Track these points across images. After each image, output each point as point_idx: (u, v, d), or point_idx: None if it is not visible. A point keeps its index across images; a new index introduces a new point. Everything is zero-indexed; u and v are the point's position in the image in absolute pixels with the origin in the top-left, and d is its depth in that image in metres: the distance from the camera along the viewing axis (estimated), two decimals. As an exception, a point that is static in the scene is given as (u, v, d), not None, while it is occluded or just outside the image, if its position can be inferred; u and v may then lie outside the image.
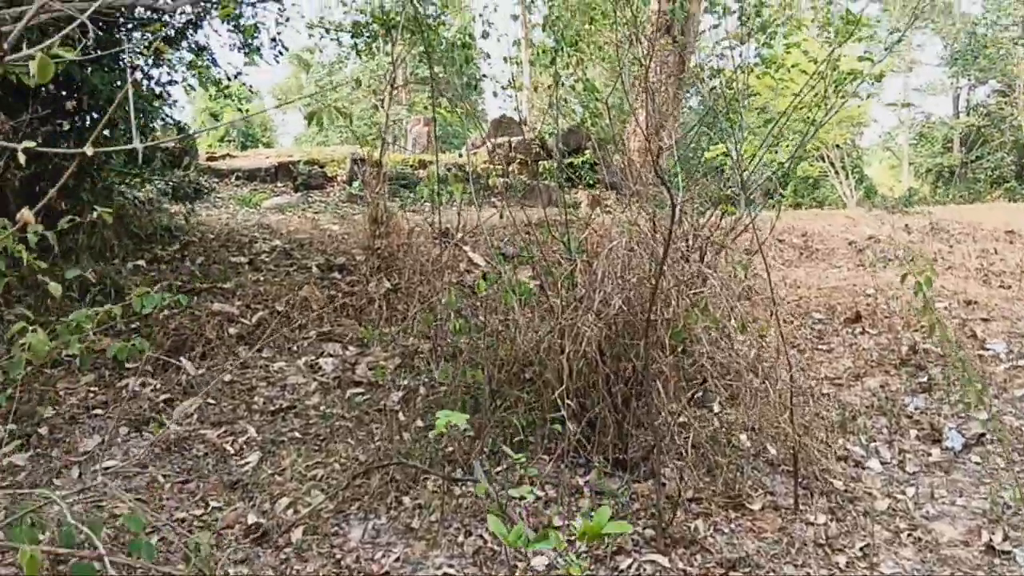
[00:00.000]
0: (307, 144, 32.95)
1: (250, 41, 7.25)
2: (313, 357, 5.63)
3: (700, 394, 4.72)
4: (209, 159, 15.95)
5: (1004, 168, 35.16)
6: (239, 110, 14.17)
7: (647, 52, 13.79)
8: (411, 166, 16.22)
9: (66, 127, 6.40)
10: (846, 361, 5.81)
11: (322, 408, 5.02)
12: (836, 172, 36.30)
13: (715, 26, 5.53)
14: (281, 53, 7.77)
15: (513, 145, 17.18)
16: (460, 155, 18.38)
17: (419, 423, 4.75)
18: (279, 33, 7.55)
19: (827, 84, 5.29)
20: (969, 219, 10.25)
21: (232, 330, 5.76)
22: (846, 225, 9.04)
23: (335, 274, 6.64)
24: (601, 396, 4.22)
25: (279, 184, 15.35)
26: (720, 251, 5.72)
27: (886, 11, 33.20)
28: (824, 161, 36.01)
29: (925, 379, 5.53)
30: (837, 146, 35.77)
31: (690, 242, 5.18)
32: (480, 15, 6.87)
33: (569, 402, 4.05)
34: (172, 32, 6.87)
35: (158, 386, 5.16)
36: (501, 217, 5.66)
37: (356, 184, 13.87)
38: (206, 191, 9.33)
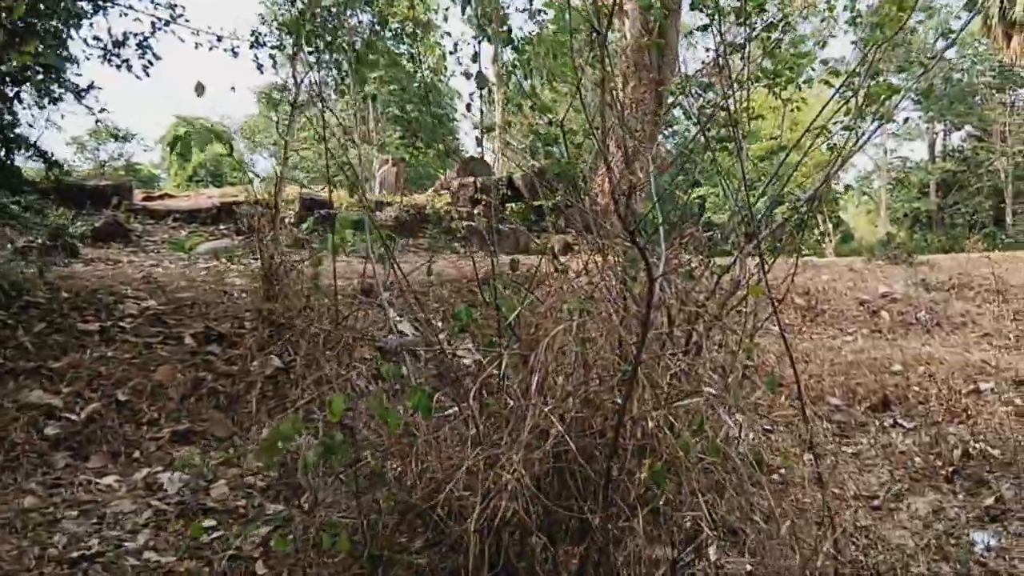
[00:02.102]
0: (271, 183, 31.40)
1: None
2: (160, 468, 4.00)
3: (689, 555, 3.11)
4: (145, 199, 14.33)
5: (982, 214, 34.17)
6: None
7: (620, 88, 12.28)
8: (368, 208, 14.54)
9: None
10: (881, 471, 4.24)
11: (146, 556, 3.39)
12: (813, 217, 35.12)
13: (704, 27, 3.97)
14: (151, 63, 6.21)
15: (479, 186, 15.66)
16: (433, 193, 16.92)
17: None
18: (146, 39, 5.98)
19: (858, 105, 3.80)
20: (982, 271, 8.78)
21: (51, 430, 4.12)
22: (852, 280, 7.55)
23: (212, 347, 5.00)
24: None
25: (222, 226, 13.73)
26: (712, 327, 4.17)
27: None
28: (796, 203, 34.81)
29: (992, 500, 3.96)
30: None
31: (674, 316, 3.64)
32: (452, 52, 5.68)
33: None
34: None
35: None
36: (429, 274, 4.14)
37: (305, 226, 12.28)
38: (75, 243, 7.67)
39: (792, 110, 5.06)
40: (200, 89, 3.45)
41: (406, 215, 13.37)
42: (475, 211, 15.13)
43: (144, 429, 4.24)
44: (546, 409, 2.54)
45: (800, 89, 4.35)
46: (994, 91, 33.56)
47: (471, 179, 16.33)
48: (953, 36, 4.13)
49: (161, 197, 14.65)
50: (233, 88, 23.97)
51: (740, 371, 3.84)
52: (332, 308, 5.09)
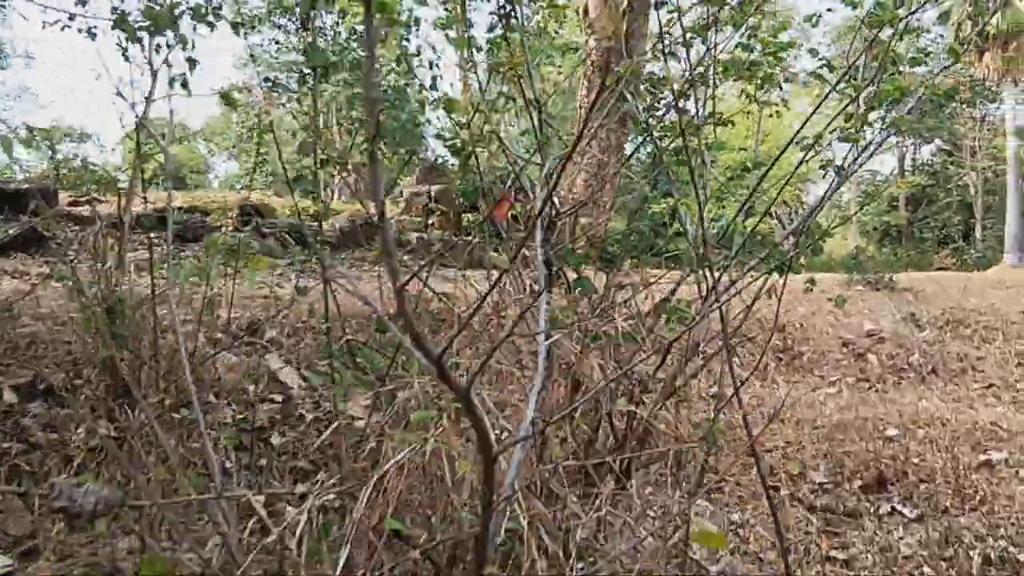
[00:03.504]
0: (236, 186, 30.11)
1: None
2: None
3: None
4: (71, 204, 13.08)
5: (951, 228, 33.58)
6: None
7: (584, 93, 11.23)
8: (309, 216, 13.49)
9: None
10: (882, 586, 3.20)
11: None
12: (784, 228, 34.36)
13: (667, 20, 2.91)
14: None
15: (434, 195, 14.56)
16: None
17: None
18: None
19: (859, 111, 2.78)
20: (974, 302, 7.81)
21: None
22: (833, 314, 6.54)
23: (35, 404, 3.87)
24: None
25: (153, 234, 12.54)
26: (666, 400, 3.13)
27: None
28: (771, 217, 34.07)
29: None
30: (785, 202, 33.92)
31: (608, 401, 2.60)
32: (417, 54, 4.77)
33: None
34: None
35: None
36: (326, 313, 3.14)
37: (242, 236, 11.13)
38: None
39: (771, 115, 4.03)
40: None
41: (352, 225, 12.21)
42: (429, 221, 14.03)
43: (-94, 526, 3.11)
44: None
45: (781, 88, 3.31)
46: (964, 106, 32.97)
47: (426, 187, 15.23)
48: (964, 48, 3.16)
49: (88, 202, 13.39)
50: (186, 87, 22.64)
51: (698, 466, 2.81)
52: (185, 356, 4.00)
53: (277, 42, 28.59)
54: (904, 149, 37.86)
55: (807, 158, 2.88)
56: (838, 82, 2.65)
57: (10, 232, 11.10)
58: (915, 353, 5.62)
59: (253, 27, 28.84)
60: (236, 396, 3.98)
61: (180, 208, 12.93)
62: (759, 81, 3.23)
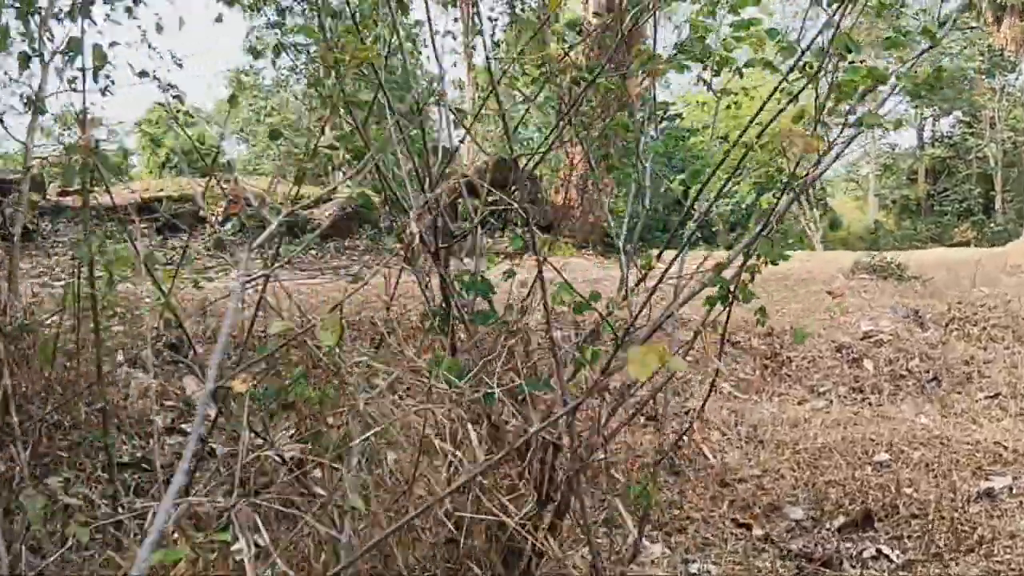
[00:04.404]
0: (244, 171, 29.72)
1: None
2: None
3: None
4: (61, 194, 12.72)
5: (971, 200, 32.68)
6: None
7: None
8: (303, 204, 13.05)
9: None
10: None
11: None
12: (800, 204, 33.67)
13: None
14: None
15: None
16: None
17: None
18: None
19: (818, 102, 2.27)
20: (983, 292, 7.25)
21: None
22: (829, 311, 6.02)
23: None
24: None
25: (142, 225, 12.16)
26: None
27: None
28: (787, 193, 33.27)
29: None
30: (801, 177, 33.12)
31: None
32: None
33: None
34: None
35: None
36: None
37: (230, 226, 10.72)
38: None
39: (728, 106, 3.51)
40: None
41: (342, 213, 11.76)
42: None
43: None
44: None
45: (742, 76, 2.80)
46: (983, 76, 31.99)
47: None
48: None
49: (77, 192, 13.03)
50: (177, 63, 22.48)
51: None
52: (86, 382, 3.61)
53: (282, 24, 28.11)
54: (923, 121, 36.89)
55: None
56: (789, 71, 2.16)
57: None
58: (915, 358, 5.10)
59: (257, 8, 28.29)
60: (143, 427, 3.55)
61: (170, 197, 12.53)
62: (715, 67, 2.73)
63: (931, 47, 2.17)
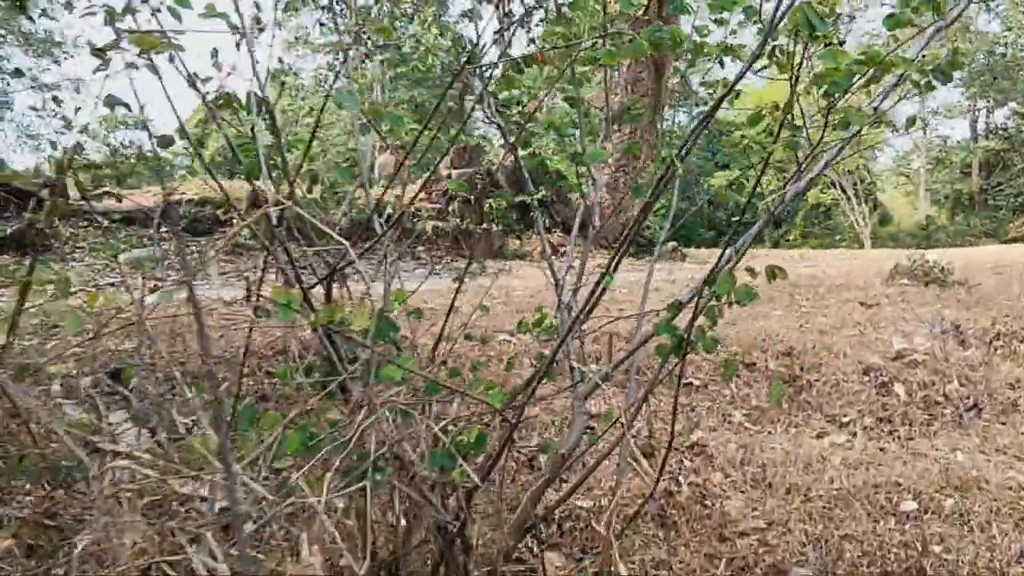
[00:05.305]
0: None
1: None
2: None
3: None
4: (81, 198, 12.53)
5: (1028, 195, 31.35)
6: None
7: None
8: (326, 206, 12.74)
9: None
10: None
11: None
12: (849, 199, 32.55)
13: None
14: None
15: (453, 178, 13.60)
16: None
17: None
18: None
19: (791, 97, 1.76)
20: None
21: None
22: (859, 323, 5.40)
23: None
24: None
25: (164, 229, 11.93)
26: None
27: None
28: (836, 188, 32.20)
29: None
30: (849, 171, 32.01)
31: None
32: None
33: None
34: None
35: None
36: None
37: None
38: None
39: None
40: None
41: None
42: (449, 208, 13.11)
43: None
44: None
45: (722, 65, 2.30)
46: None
47: (456, 171, 14.27)
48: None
49: (100, 196, 12.86)
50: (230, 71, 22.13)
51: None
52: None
53: (322, 24, 27.95)
54: (977, 113, 35.49)
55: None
56: (754, 59, 1.64)
57: (7, 231, 10.57)
58: (953, 381, 4.49)
59: (296, 9, 28.21)
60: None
61: (191, 200, 12.26)
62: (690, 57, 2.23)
63: (947, 25, 1.64)
